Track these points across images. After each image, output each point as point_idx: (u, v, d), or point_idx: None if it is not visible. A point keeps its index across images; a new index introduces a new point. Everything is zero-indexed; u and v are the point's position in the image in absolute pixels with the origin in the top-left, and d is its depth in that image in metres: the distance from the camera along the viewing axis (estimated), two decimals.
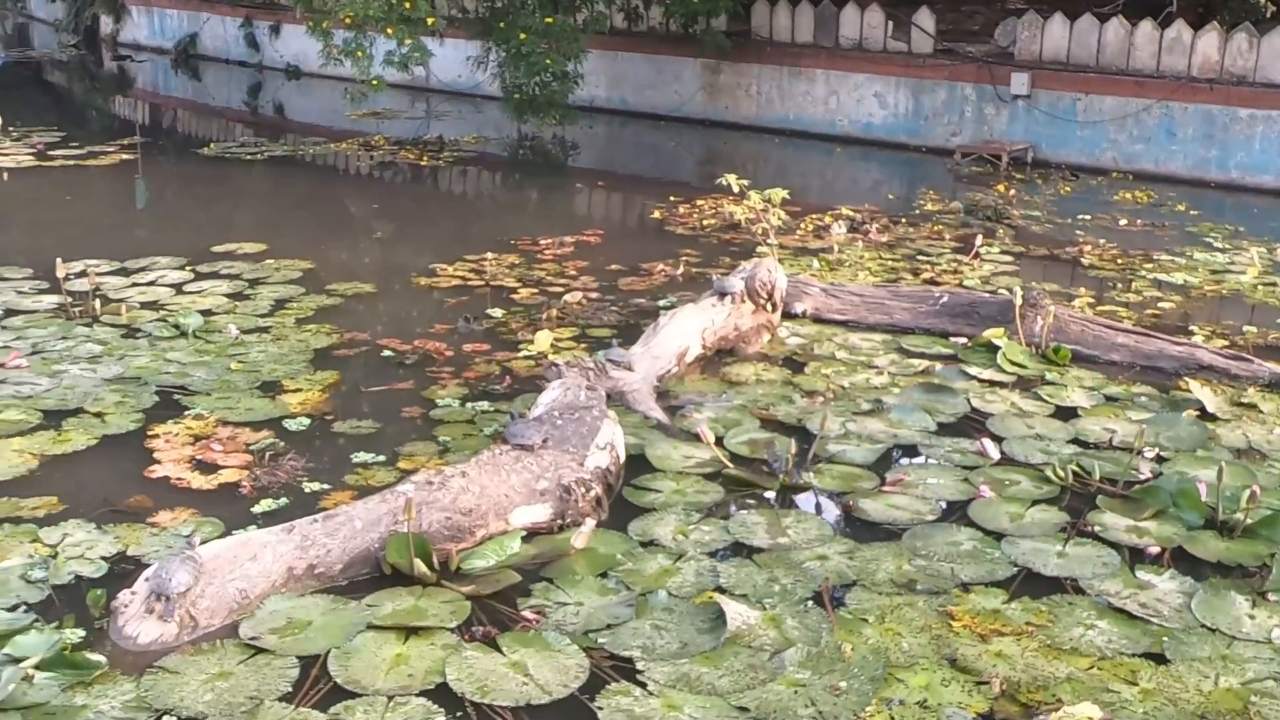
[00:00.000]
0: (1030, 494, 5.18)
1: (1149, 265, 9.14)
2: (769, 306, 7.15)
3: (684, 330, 6.67)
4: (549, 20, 13.06)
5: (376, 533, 4.38)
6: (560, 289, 8.18)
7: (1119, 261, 9.25)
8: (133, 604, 3.97)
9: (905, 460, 5.62)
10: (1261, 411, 6.13)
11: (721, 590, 4.30)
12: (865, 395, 6.30)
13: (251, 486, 5.11)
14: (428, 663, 3.83)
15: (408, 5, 12.06)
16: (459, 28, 14.47)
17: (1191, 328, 7.54)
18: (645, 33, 16.09)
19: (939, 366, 6.78)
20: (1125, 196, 11.65)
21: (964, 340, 7.08)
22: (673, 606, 4.20)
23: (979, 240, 9.33)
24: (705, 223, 10.24)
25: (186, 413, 5.88)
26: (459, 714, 3.62)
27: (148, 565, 4.20)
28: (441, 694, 3.69)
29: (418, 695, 3.68)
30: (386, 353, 6.87)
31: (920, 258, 9.18)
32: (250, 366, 6.53)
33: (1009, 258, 9.27)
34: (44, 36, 27.59)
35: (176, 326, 7.10)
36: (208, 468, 5.29)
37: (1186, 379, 6.46)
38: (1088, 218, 10.71)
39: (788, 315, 7.39)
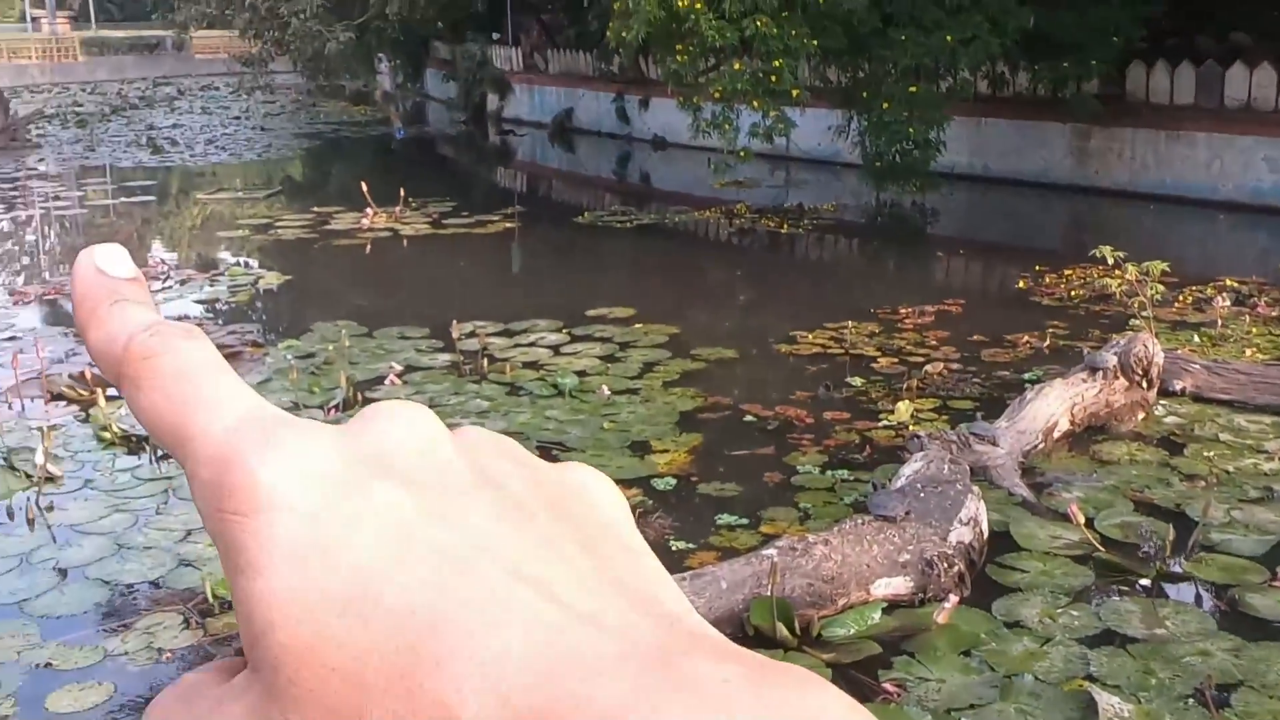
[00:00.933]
0: None
1: None
2: (1144, 383, 6.82)
3: (1052, 405, 6.48)
4: (913, 89, 13.07)
5: (741, 594, 4.51)
6: (921, 359, 8.13)
7: None
8: None
9: None
10: None
11: (1092, 679, 4.15)
12: (1253, 481, 5.89)
13: None
14: None
15: (773, 79, 12.41)
16: (821, 98, 14.72)
17: None
18: (1010, 98, 15.78)
19: None
20: None
21: None
22: (1039, 692, 4.09)
23: None
24: (1074, 293, 9.89)
25: None
26: None
27: None
28: None
29: None
30: (748, 418, 7.05)
31: None
32: (621, 426, 6.88)
33: None
34: (437, 113, 30.22)
35: (555, 386, 7.59)
36: None
37: None
38: None
39: (1164, 393, 7.02)
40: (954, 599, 4.70)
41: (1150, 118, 14.43)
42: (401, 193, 14.71)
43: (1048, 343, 8.40)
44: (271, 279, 11.42)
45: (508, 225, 14.13)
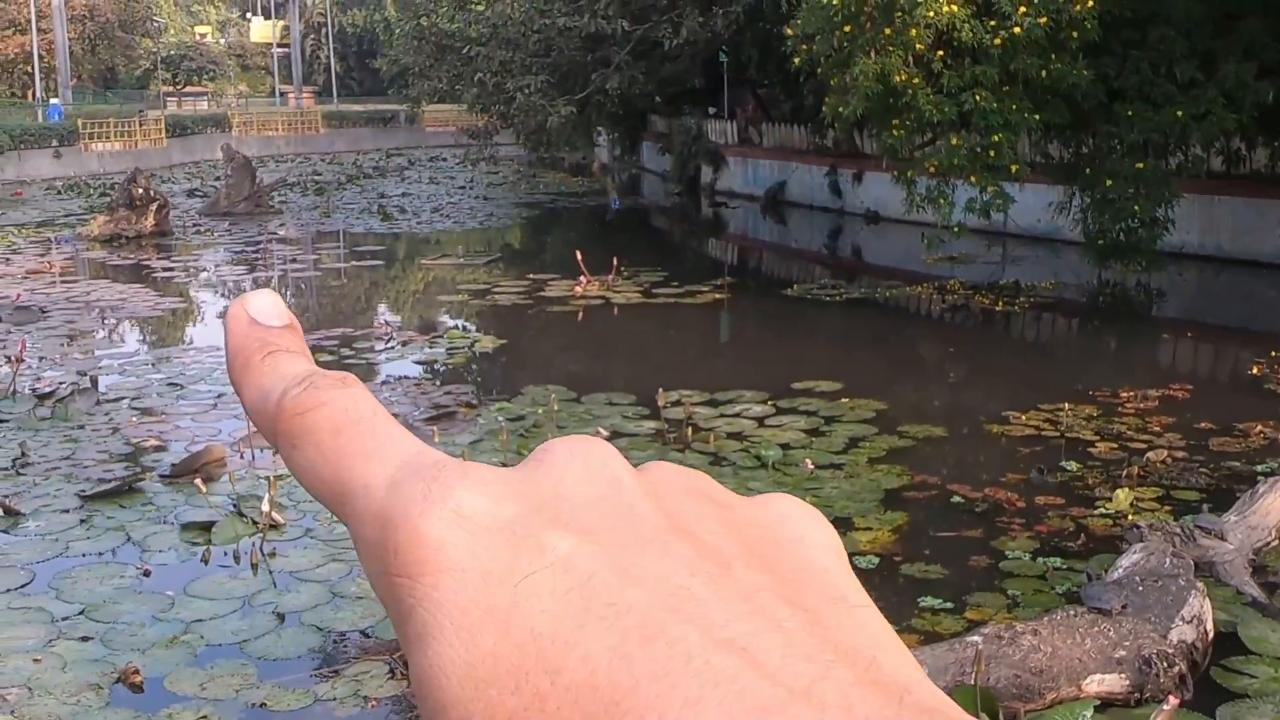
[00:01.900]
0: None
1: None
2: None
3: None
4: (1140, 165, 12.64)
5: (943, 681, 4.37)
6: (1143, 445, 7.76)
7: None
8: None
9: None
10: None
11: None
12: None
13: None
14: None
15: (992, 154, 12.20)
16: (1041, 173, 14.38)
17: None
18: (1247, 175, 15.07)
19: None
20: None
21: None
22: None
23: None
24: None
25: None
26: None
27: None
28: None
29: None
30: (956, 498, 6.86)
31: None
32: (824, 501, 6.79)
33: None
34: (652, 185, 30.84)
35: (758, 458, 7.56)
36: None
37: None
38: None
39: None
40: (1173, 701, 4.42)
41: None
42: (614, 261, 15.02)
43: None
44: (487, 342, 11.81)
45: (717, 296, 14.25)
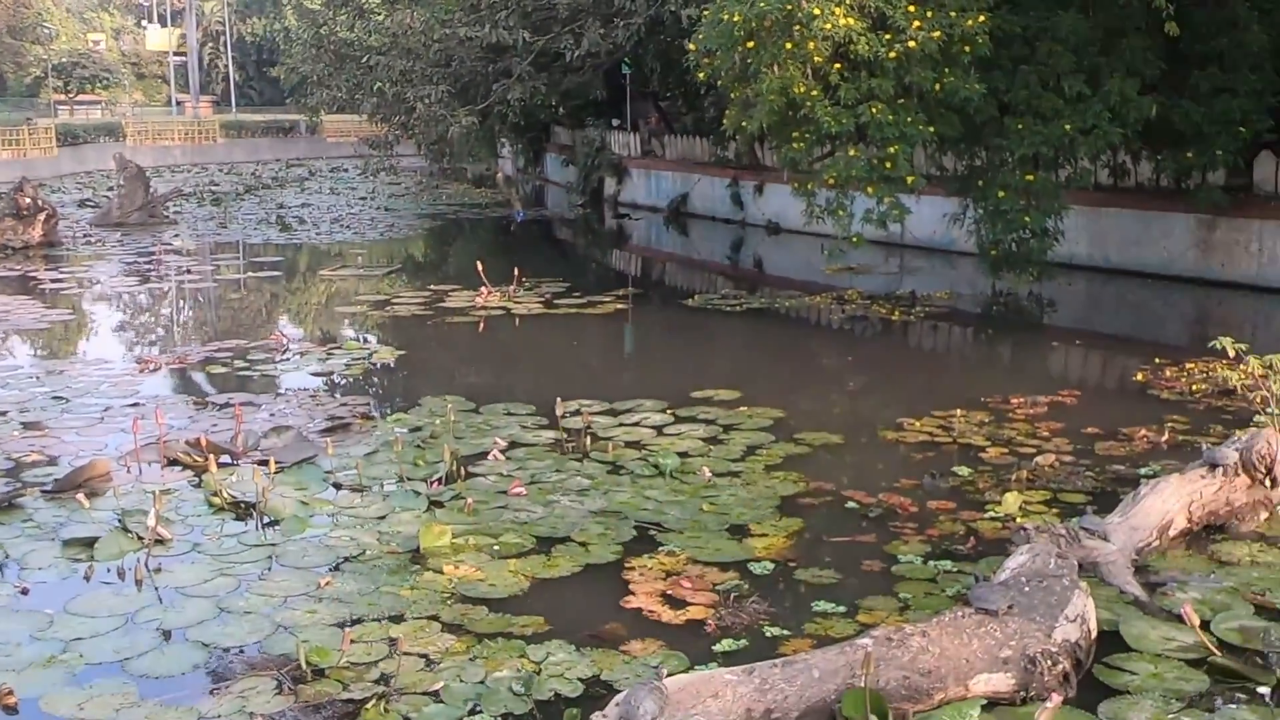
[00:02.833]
0: None
1: None
2: (1268, 482, 6.55)
3: (1168, 501, 6.25)
4: (1030, 177, 12.92)
5: (834, 684, 4.40)
6: (1031, 450, 7.93)
7: None
8: None
9: None
10: None
11: None
12: None
13: (716, 625, 5.31)
14: None
15: (888, 165, 12.38)
16: (937, 185, 14.64)
17: None
18: (1132, 188, 15.51)
19: None
20: None
21: None
22: None
23: None
24: (1195, 388, 9.58)
25: (660, 549, 6.22)
26: None
27: (619, 691, 4.46)
28: None
29: None
30: (851, 504, 6.94)
31: None
32: (720, 508, 6.82)
33: None
34: (556, 196, 30.80)
35: (656, 466, 7.56)
36: (677, 603, 5.55)
37: None
38: None
39: None
40: (1057, 699, 4.50)
41: (1279, 209, 14.03)
42: (515, 272, 14.96)
43: (1166, 437, 8.14)
44: (385, 354, 11.66)
45: (619, 306, 14.26)
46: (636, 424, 8.73)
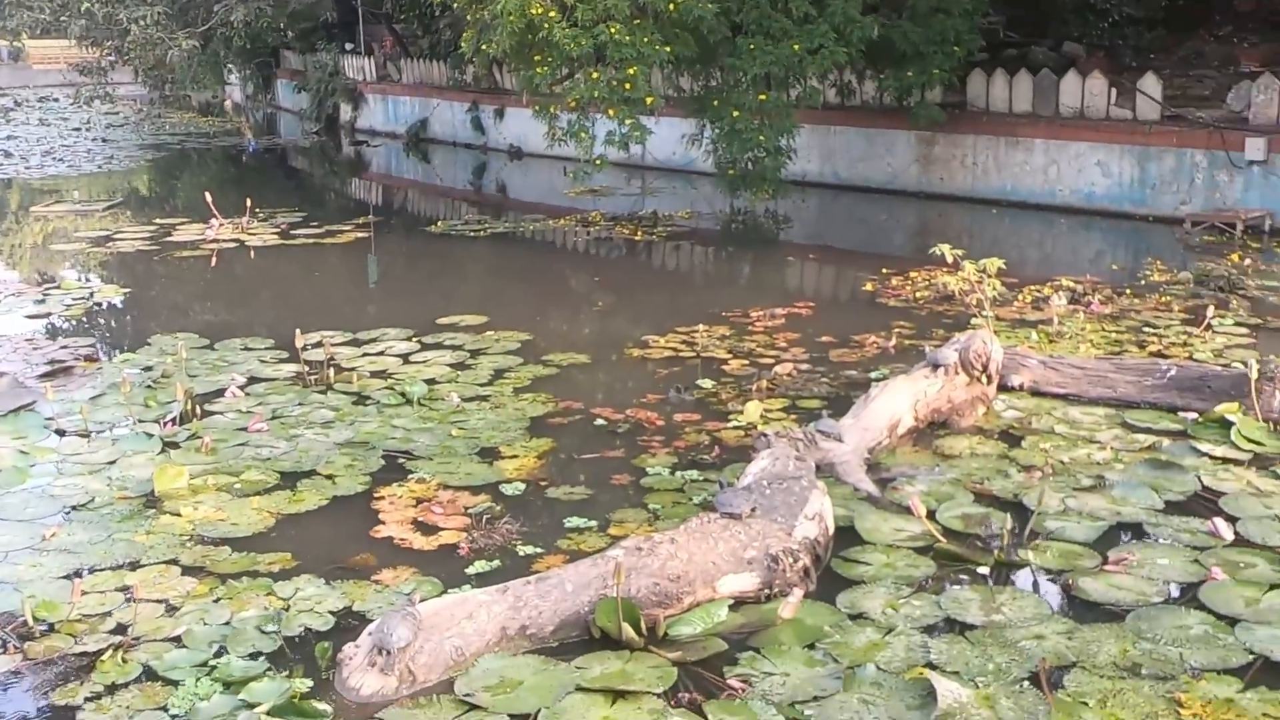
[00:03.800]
0: (1268, 578, 4.88)
1: None
2: (984, 379, 6.99)
3: (895, 402, 6.59)
4: (762, 97, 13.22)
5: (586, 596, 4.46)
6: (771, 360, 8.21)
7: None
8: (356, 657, 4.16)
9: (1129, 539, 5.38)
10: None
11: (932, 666, 4.20)
12: (1086, 471, 6.08)
13: (469, 548, 5.29)
14: None
15: (628, 86, 12.42)
16: (675, 106, 14.81)
17: None
18: (858, 106, 16.11)
19: (1166, 442, 6.48)
20: None
21: (1194, 415, 6.75)
22: (881, 681, 4.13)
23: (1210, 311, 8.90)
24: (918, 295, 10.11)
25: (410, 476, 6.14)
26: None
27: (371, 620, 4.39)
28: None
29: None
30: (599, 421, 7.02)
31: (1146, 330, 8.82)
32: (470, 433, 6.78)
33: (1244, 330, 8.82)
34: (289, 124, 29.61)
35: (403, 394, 7.44)
36: (428, 529, 5.50)
37: None
38: None
39: (1004, 388, 7.21)
40: (799, 593, 4.72)
41: (990, 125, 14.88)
42: (248, 203, 14.35)
43: (893, 342, 8.56)
44: (109, 292, 11.02)
45: (359, 235, 13.89)
46: (381, 353, 8.56)
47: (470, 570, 5.06)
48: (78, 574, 5.03)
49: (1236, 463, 6.16)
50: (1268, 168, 12.65)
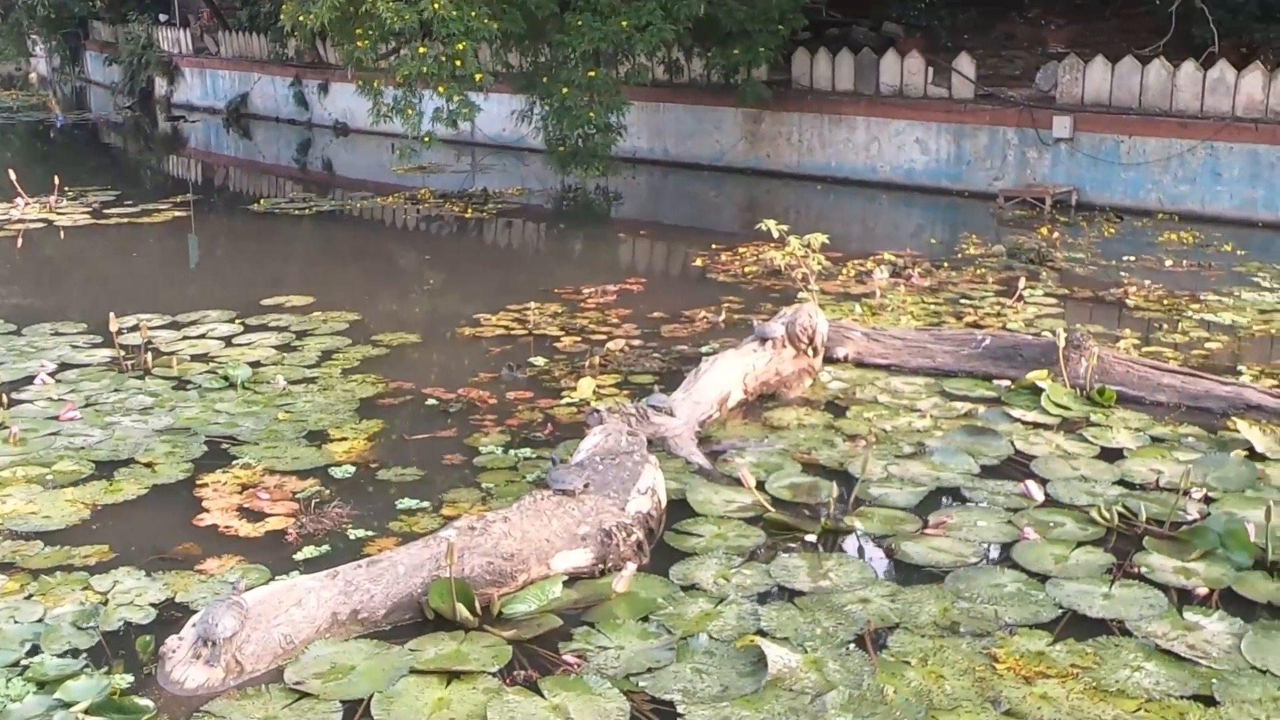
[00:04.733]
0: (1075, 536, 5.14)
1: (1195, 306, 9.07)
2: (810, 351, 7.16)
3: (725, 376, 6.70)
4: (591, 74, 13.22)
5: (419, 578, 4.42)
6: (603, 337, 8.24)
7: (1165, 303, 9.18)
8: (180, 649, 4.03)
9: (948, 503, 5.59)
10: None
11: (762, 634, 4.30)
12: (907, 439, 6.29)
13: (297, 534, 5.18)
14: (469, 707, 3.85)
15: (457, 63, 12.26)
16: (504, 83, 14.70)
17: (1239, 368, 7.45)
18: (686, 84, 16.25)
19: (982, 409, 6.75)
20: (1170, 238, 11.57)
21: (1007, 383, 7.05)
22: (714, 650, 4.20)
23: (1022, 283, 9.30)
24: (747, 270, 10.28)
25: (235, 462, 5.97)
26: None
27: (195, 611, 4.26)
28: None
29: None
30: (431, 401, 6.94)
31: (963, 302, 9.17)
32: (297, 416, 6.62)
33: (1053, 300, 9.24)
34: (100, 99, 28.32)
35: (225, 378, 7.22)
36: (255, 516, 5.36)
37: (1234, 419, 6.39)
38: (1132, 259, 10.66)
39: (829, 360, 7.39)
40: (632, 567, 4.77)
41: (814, 103, 15.19)
42: (57, 181, 13.70)
43: (723, 317, 8.69)
44: None
45: (177, 214, 13.39)
46: (202, 336, 8.29)
47: (299, 556, 4.95)
48: None
49: (1046, 427, 6.46)
50: (1073, 145, 13.26)
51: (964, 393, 6.99)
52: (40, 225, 12.54)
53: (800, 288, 9.35)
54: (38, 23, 27.26)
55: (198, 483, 5.73)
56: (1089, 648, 4.20)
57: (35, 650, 4.20)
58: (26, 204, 13.20)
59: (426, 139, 12.85)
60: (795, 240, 9.45)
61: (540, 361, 7.68)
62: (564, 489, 4.96)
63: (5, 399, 6.78)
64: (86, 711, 3.76)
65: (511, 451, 6.13)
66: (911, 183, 14.37)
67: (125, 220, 12.90)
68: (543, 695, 3.92)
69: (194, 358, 7.76)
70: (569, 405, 6.81)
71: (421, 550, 4.54)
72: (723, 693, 3.93)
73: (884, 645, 4.24)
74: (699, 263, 10.72)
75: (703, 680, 4.01)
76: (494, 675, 4.04)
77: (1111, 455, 6.06)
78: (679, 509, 5.39)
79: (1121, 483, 5.72)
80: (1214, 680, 4.00)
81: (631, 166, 15.44)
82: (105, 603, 4.55)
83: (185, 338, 8.24)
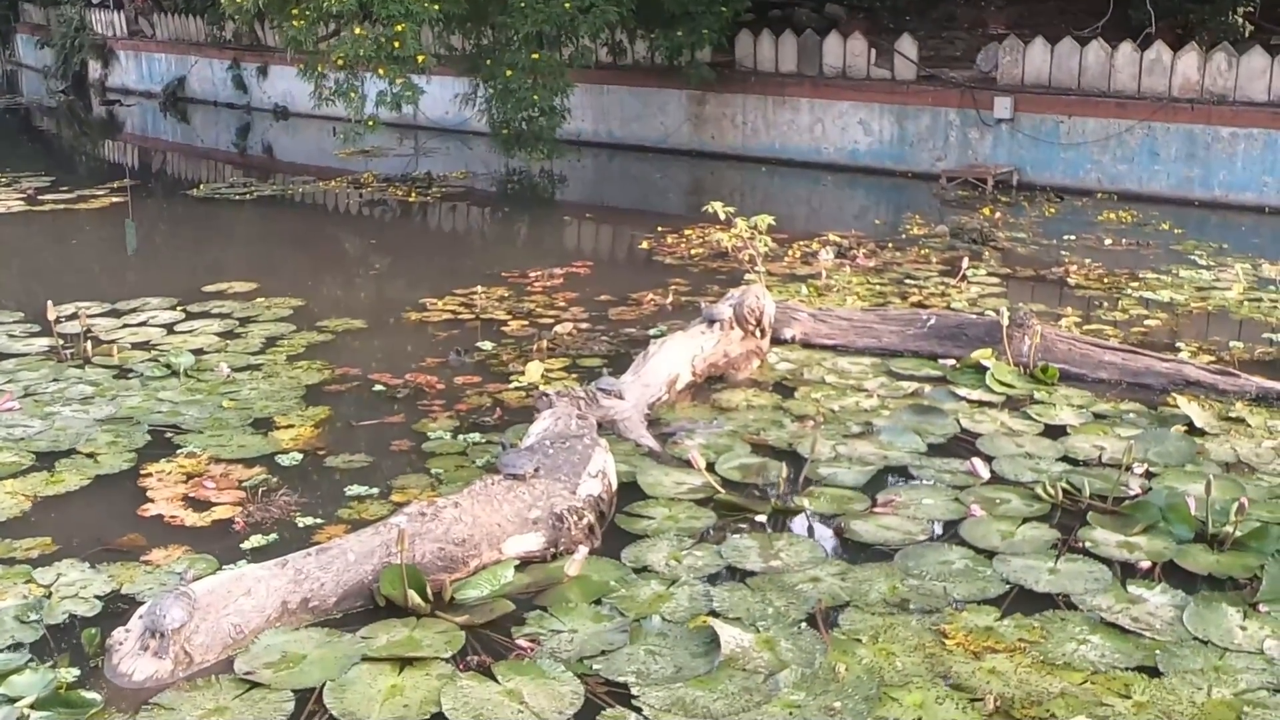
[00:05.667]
0: (1021, 512, 5.21)
1: (1135, 284, 9.21)
2: (758, 333, 7.19)
3: (674, 358, 6.71)
4: (535, 56, 13.14)
5: (370, 565, 4.39)
6: (550, 320, 8.22)
7: (1105, 281, 9.32)
8: (127, 641, 3.98)
9: (896, 481, 5.64)
10: (1249, 425, 6.17)
11: (715, 614, 4.32)
12: (855, 418, 6.33)
13: (244, 523, 5.12)
14: (423, 693, 3.84)
15: (397, 45, 12.13)
16: (446, 65, 14.57)
17: (1178, 344, 7.58)
18: (630, 66, 16.21)
19: (928, 388, 6.81)
20: (1110, 216, 11.74)
21: (952, 362, 7.12)
22: (666, 631, 4.22)
23: (965, 263, 9.39)
24: (693, 252, 10.29)
25: (179, 451, 5.89)
26: None
27: (142, 603, 4.21)
28: None
29: None
30: (378, 387, 6.89)
31: (908, 282, 9.24)
32: (242, 404, 6.55)
33: (996, 280, 9.34)
34: (32, 83, 27.76)
35: (168, 366, 7.12)
36: (201, 505, 5.30)
37: (1174, 395, 6.51)
38: (1073, 238, 10.79)
39: (777, 341, 7.42)
40: (584, 550, 4.77)
41: (758, 85, 15.21)
42: None
43: (670, 299, 8.70)
44: None
45: (115, 200, 13.16)
46: (144, 324, 8.17)
47: (246, 545, 4.90)
48: None
49: (991, 405, 6.54)
50: (1014, 126, 13.39)
51: (910, 372, 7.05)
52: None
53: (747, 269, 9.37)
54: None
55: (142, 472, 5.65)
56: (1036, 622, 4.26)
57: None
58: None
59: (369, 123, 12.71)
60: (742, 222, 9.47)
61: (488, 346, 7.65)
62: (514, 473, 4.95)
63: None
64: (32, 706, 3.71)
65: (460, 436, 6.10)
66: (855, 164, 14.45)
67: (61, 206, 12.68)
68: (497, 680, 3.91)
69: (135, 346, 7.65)
70: (518, 389, 6.79)
71: (372, 537, 4.51)
72: (676, 674, 3.95)
73: (835, 624, 4.28)
74: (645, 245, 10.71)
75: (656, 662, 4.02)
76: (447, 661, 4.03)
77: (1055, 432, 6.15)
78: (630, 492, 5.39)
79: (1065, 459, 5.81)
80: (1157, 651, 4.08)
81: (576, 149, 15.38)
82: (49, 596, 4.48)
83: (125, 325, 8.12)
